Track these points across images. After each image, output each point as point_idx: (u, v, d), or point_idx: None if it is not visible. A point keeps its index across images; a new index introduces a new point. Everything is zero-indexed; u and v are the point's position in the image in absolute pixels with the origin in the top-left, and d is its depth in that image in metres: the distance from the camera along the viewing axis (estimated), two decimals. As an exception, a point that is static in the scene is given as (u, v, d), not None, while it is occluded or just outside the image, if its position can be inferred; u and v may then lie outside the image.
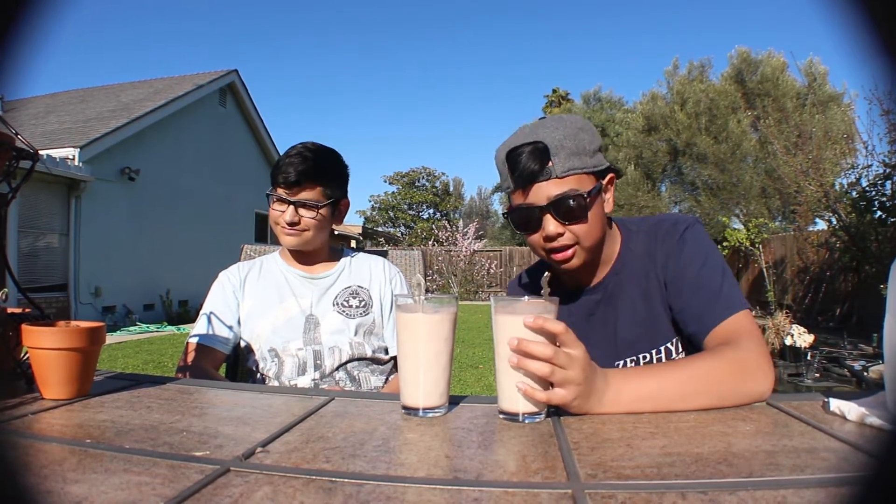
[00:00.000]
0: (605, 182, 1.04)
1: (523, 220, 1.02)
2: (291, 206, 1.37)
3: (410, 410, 0.77)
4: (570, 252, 1.01)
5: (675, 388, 0.77)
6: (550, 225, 0.99)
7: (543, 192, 0.98)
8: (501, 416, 0.75)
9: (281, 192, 1.38)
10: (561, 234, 0.99)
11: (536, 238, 1.03)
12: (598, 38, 59.92)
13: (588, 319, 1.11)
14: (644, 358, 1.07)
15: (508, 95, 66.44)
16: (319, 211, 1.39)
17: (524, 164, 0.98)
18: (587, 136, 1.00)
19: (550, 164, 0.97)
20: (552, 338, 0.73)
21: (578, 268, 1.04)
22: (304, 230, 1.40)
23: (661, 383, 0.78)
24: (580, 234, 1.00)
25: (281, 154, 1.44)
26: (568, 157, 0.98)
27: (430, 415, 0.77)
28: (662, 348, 1.06)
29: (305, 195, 1.37)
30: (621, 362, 1.08)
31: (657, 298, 1.05)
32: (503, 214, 1.08)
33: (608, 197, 1.05)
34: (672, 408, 0.76)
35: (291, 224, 1.38)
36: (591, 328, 1.10)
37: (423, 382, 0.77)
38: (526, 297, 0.78)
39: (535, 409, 0.74)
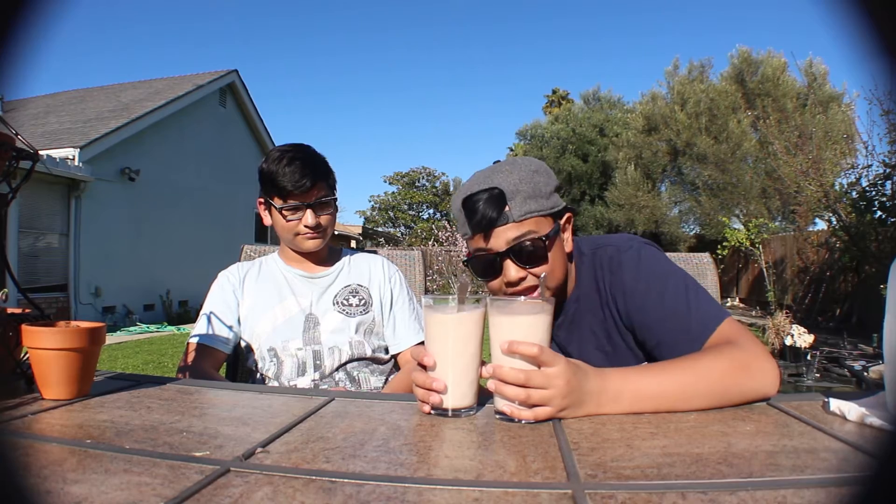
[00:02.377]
0: (562, 222, 1.04)
1: (484, 267, 1.01)
2: (309, 210, 1.36)
3: (440, 411, 0.77)
4: (535, 294, 1.00)
5: (677, 388, 0.76)
6: (511, 270, 0.98)
7: (502, 237, 0.98)
8: (498, 416, 0.75)
9: (293, 199, 1.35)
10: (523, 278, 0.99)
11: (497, 284, 1.01)
12: (598, 38, 59.93)
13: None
14: None
15: (509, 95, 66.43)
16: (335, 206, 1.42)
17: (481, 210, 0.97)
18: (542, 178, 1.00)
19: (507, 208, 0.97)
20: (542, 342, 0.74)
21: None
22: (325, 229, 1.41)
23: (663, 383, 0.77)
24: (547, 273, 0.99)
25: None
26: (524, 201, 0.98)
27: (459, 416, 0.77)
28: None
29: (318, 195, 1.37)
30: None
31: (614, 330, 1.04)
32: (463, 262, 1.06)
33: (567, 236, 1.06)
34: (674, 408, 0.76)
35: (315, 228, 1.38)
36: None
37: (455, 384, 0.77)
38: (522, 298, 0.78)
39: None
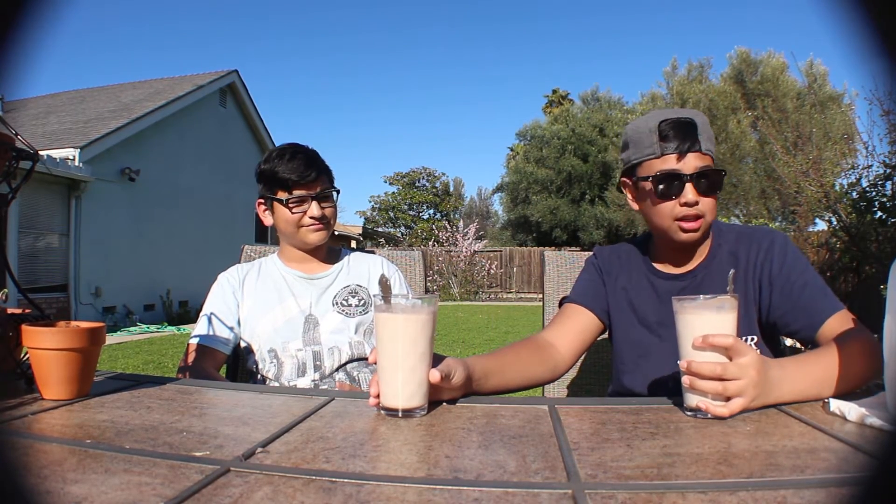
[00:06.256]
0: None
1: (667, 185, 1.09)
2: (314, 202, 1.38)
3: (390, 411, 0.77)
4: (698, 223, 1.08)
5: (831, 374, 0.82)
6: (690, 193, 1.06)
7: (692, 162, 1.07)
8: (688, 413, 0.76)
9: (298, 191, 1.38)
10: (697, 203, 1.07)
11: (671, 205, 1.09)
12: (598, 38, 59.96)
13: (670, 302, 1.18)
14: None
15: (508, 95, 66.48)
16: (337, 198, 1.45)
17: (683, 131, 1.07)
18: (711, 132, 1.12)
19: (699, 139, 1.08)
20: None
21: (693, 244, 1.12)
22: (329, 221, 1.43)
23: (823, 369, 0.83)
24: (709, 208, 1.08)
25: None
26: (708, 139, 1.09)
27: (411, 416, 0.76)
28: None
29: (322, 187, 1.40)
30: None
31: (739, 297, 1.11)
32: (648, 178, 1.10)
33: None
34: (823, 392, 0.81)
35: (321, 219, 1.40)
36: (669, 311, 1.15)
37: (403, 384, 0.76)
38: (701, 297, 0.80)
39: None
